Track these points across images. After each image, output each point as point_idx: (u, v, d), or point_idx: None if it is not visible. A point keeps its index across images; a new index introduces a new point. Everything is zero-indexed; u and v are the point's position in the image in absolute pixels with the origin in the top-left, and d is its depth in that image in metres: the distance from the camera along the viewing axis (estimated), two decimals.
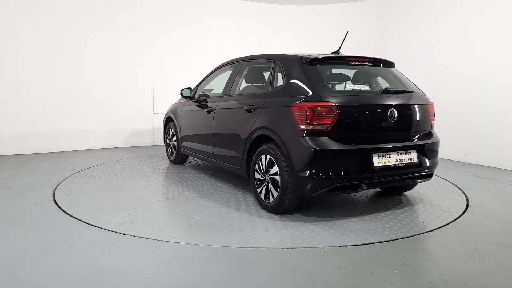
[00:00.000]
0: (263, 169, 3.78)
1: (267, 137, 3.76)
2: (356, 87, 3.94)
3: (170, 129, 6.05)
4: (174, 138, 5.88)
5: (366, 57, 3.93)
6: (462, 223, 3.58)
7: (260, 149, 3.83)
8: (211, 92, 5.36)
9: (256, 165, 3.88)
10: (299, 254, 2.88)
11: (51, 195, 4.32)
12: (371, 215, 3.73)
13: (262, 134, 3.79)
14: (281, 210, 3.65)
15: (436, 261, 2.79)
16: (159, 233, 3.24)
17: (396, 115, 3.58)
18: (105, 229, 3.32)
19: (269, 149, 3.67)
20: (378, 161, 3.47)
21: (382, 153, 3.50)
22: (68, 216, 3.65)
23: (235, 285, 2.44)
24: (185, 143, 5.57)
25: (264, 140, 3.83)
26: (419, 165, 3.72)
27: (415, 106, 3.79)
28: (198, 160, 6.21)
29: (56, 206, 3.94)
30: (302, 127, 3.36)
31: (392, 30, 7.72)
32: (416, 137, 3.83)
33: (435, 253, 2.98)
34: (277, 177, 3.58)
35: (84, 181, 4.91)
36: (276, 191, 3.60)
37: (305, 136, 3.35)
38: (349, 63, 3.90)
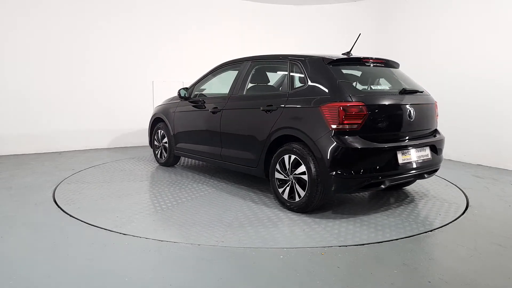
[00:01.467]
0: (286, 169, 3.78)
1: (290, 137, 3.79)
2: (379, 87, 4.02)
3: (159, 131, 5.82)
4: (165, 140, 5.68)
5: (379, 58, 4.07)
6: (462, 223, 3.58)
7: (282, 149, 3.82)
8: (212, 93, 5.26)
9: (277, 165, 3.87)
10: (299, 254, 2.88)
11: (51, 195, 4.32)
12: (371, 216, 3.73)
13: (285, 134, 3.80)
14: (308, 209, 3.68)
15: (436, 261, 2.79)
16: (159, 233, 3.25)
17: (414, 114, 3.78)
18: (105, 229, 3.32)
19: (294, 149, 3.68)
20: (402, 158, 3.64)
21: (404, 151, 3.68)
22: (68, 216, 3.65)
23: (235, 285, 2.44)
24: (180, 145, 5.40)
25: (285, 140, 3.85)
26: (432, 161, 3.93)
27: (427, 105, 4.03)
28: (190, 161, 6.15)
29: (56, 206, 3.94)
30: (334, 126, 3.42)
31: (392, 30, 7.72)
32: (428, 134, 4.05)
33: (435, 253, 2.98)
34: (304, 177, 3.60)
35: (84, 181, 4.91)
36: (304, 190, 3.62)
37: (337, 136, 3.42)
38: (366, 64, 4.02)
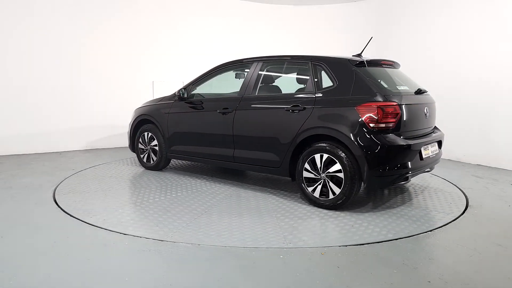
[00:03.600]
0: (318, 168, 3.85)
1: (319, 136, 3.88)
2: (401, 88, 4.13)
3: (145, 133, 5.47)
4: (155, 143, 5.36)
5: (390, 60, 4.36)
6: (462, 223, 3.59)
7: (312, 148, 3.89)
8: (210, 93, 5.19)
9: (306, 164, 3.92)
10: (299, 254, 2.88)
11: (51, 195, 4.32)
12: (371, 216, 3.73)
13: (315, 134, 3.88)
14: (343, 206, 3.80)
15: (436, 261, 2.80)
16: (159, 233, 3.25)
17: (427, 112, 4.14)
18: (105, 229, 3.32)
19: (328, 148, 3.77)
20: (424, 153, 3.96)
21: (425, 146, 4.00)
22: (68, 216, 3.65)
23: (235, 285, 2.44)
24: (176, 147, 5.16)
25: (312, 139, 3.92)
26: (439, 154, 4.35)
27: (433, 104, 4.39)
28: (179, 163, 6.04)
29: (56, 206, 3.94)
30: (372, 125, 3.60)
31: (392, 30, 7.72)
32: (433, 131, 4.41)
33: (435, 253, 2.99)
34: (340, 175, 3.71)
35: (85, 181, 4.91)
36: (339, 188, 3.73)
37: (376, 134, 3.61)
38: (383, 66, 4.27)
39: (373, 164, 3.59)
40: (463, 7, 6.36)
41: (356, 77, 3.83)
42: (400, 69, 4.60)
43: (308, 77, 4.19)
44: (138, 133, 5.61)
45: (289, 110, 4.06)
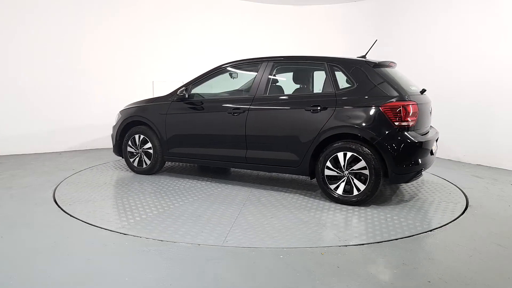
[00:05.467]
0: (341, 166, 3.99)
1: (341, 135, 4.01)
2: (413, 88, 4.28)
3: (137, 136, 5.21)
4: (148, 145, 5.14)
5: (394, 62, 4.51)
6: (462, 223, 3.59)
7: (335, 146, 4.00)
8: (210, 93, 5.15)
9: (328, 162, 4.04)
10: (299, 254, 2.88)
11: (51, 195, 4.32)
12: (371, 215, 3.73)
13: (339, 133, 4.00)
14: (367, 201, 3.98)
15: (436, 261, 2.80)
16: (159, 233, 3.25)
17: (431, 110, 4.47)
18: (105, 229, 3.32)
19: (352, 146, 3.91)
20: (434, 149, 4.23)
21: (434, 142, 4.27)
22: (68, 216, 3.65)
23: (235, 284, 2.44)
24: (176, 150, 4.98)
25: (334, 138, 4.03)
26: (437, 149, 4.52)
27: (431, 103, 4.60)
28: (172, 165, 6.01)
29: (56, 206, 3.94)
30: (396, 124, 3.81)
31: (392, 31, 7.71)
32: (431, 128, 4.64)
33: (435, 253, 2.99)
34: (365, 172, 3.87)
35: (84, 181, 4.91)
36: (364, 184, 3.89)
37: (401, 132, 3.82)
38: (391, 67, 4.42)
39: (398, 160, 3.80)
40: (463, 7, 6.36)
41: (376, 78, 4.02)
42: (398, 68, 4.65)
43: (324, 78, 4.27)
44: (127, 135, 5.32)
45: (309, 110, 4.13)
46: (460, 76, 6.41)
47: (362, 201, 3.94)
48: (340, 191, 4.02)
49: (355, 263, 2.74)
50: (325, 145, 4.09)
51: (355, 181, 3.94)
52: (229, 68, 4.90)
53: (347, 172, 3.97)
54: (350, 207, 3.94)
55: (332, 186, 4.06)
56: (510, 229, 3.47)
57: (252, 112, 4.45)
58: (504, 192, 4.63)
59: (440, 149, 4.47)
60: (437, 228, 3.43)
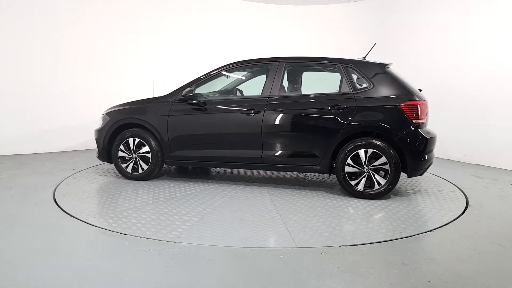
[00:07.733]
0: (362, 162, 4.19)
1: (361, 133, 4.23)
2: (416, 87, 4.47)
3: (130, 139, 4.86)
4: (145, 149, 4.82)
5: (391, 63, 4.61)
6: (462, 223, 3.59)
7: (356, 144, 4.18)
8: (210, 92, 5.04)
9: (349, 159, 4.22)
10: (299, 254, 2.88)
11: (51, 195, 4.32)
12: (371, 215, 3.73)
13: (361, 131, 4.22)
14: (385, 195, 4.24)
15: (436, 261, 2.80)
16: (159, 233, 3.25)
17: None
18: (105, 229, 3.32)
19: (374, 143, 4.11)
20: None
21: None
22: (68, 216, 3.65)
23: (235, 285, 2.44)
24: (181, 152, 4.76)
25: (354, 136, 4.23)
26: None
27: None
28: (168, 167, 5.97)
29: (56, 206, 3.93)
30: (415, 121, 4.09)
31: (392, 31, 7.72)
32: None
33: (435, 253, 2.98)
34: (386, 167, 4.12)
35: (85, 181, 4.91)
36: (385, 179, 4.14)
37: (417, 129, 4.11)
38: (390, 67, 4.54)
39: (417, 154, 4.10)
40: (463, 8, 6.36)
41: (390, 79, 4.27)
42: (397, 68, 4.71)
43: (340, 79, 4.46)
44: (118, 139, 4.92)
45: (330, 110, 4.27)
46: (460, 76, 6.41)
47: (380, 194, 4.18)
48: (361, 186, 4.22)
49: (355, 263, 2.74)
50: (345, 143, 4.25)
51: (377, 176, 4.17)
52: (237, 68, 4.88)
53: (367, 168, 4.18)
54: (350, 208, 3.95)
55: (353, 182, 4.24)
56: (510, 229, 3.47)
57: (269, 112, 4.45)
58: (504, 192, 4.63)
59: (440, 149, 4.50)
60: (437, 228, 3.42)
